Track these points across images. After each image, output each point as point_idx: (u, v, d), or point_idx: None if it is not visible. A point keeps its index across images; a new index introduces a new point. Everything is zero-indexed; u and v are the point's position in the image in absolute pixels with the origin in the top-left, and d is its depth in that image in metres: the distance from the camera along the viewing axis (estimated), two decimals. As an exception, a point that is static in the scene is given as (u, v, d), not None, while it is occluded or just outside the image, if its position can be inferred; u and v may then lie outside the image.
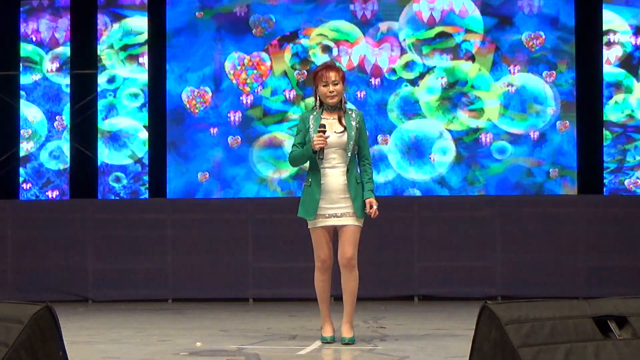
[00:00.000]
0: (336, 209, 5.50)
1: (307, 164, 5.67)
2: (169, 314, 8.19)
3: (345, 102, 5.66)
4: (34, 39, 10.34)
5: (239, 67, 10.08)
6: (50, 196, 10.21)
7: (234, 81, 10.09)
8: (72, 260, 9.57)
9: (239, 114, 10.06)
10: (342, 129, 5.53)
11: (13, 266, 9.61)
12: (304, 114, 5.68)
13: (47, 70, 10.35)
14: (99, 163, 10.17)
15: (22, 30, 10.36)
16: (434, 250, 9.40)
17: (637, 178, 9.74)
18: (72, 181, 10.26)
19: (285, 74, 10.05)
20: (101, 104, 10.24)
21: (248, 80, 10.06)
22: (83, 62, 10.34)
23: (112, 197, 10.09)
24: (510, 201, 9.54)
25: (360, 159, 5.63)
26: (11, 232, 9.67)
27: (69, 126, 10.24)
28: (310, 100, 9.22)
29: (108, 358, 5.04)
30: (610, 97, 9.84)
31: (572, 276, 9.30)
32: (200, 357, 5.00)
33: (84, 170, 10.27)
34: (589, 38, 9.92)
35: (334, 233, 5.60)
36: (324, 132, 5.43)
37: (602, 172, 9.82)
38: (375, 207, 5.52)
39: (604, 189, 9.79)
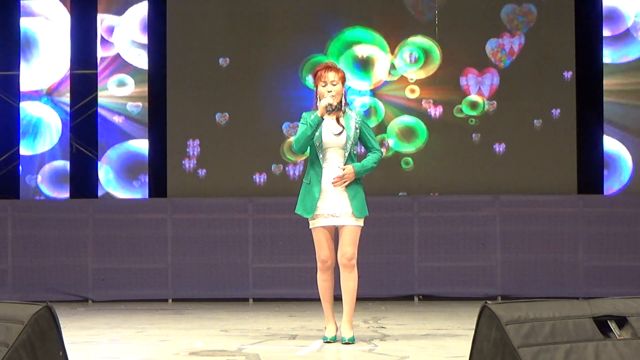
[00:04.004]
0: (335, 208, 5.50)
1: (309, 166, 5.65)
2: (169, 314, 8.19)
3: (347, 104, 5.64)
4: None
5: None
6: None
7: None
8: (72, 260, 9.56)
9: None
10: (341, 129, 5.53)
11: (13, 266, 9.60)
12: (305, 114, 5.67)
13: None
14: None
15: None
16: (434, 250, 9.40)
17: None
18: (72, 181, 10.27)
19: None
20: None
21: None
22: (83, 62, 10.35)
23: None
24: (510, 201, 9.54)
25: (369, 150, 5.65)
26: (11, 232, 9.66)
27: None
28: None
29: (108, 358, 5.04)
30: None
31: (572, 276, 9.30)
32: (200, 357, 5.00)
33: (84, 170, 10.27)
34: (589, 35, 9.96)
35: (335, 233, 5.60)
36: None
37: (602, 172, 9.83)
38: (344, 175, 5.47)
39: (604, 189, 9.81)
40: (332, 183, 5.49)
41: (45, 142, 10.32)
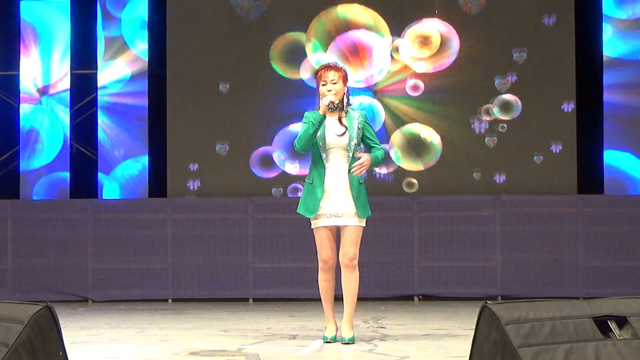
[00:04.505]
0: (338, 208, 5.49)
1: (311, 166, 5.64)
2: (169, 314, 8.19)
3: (348, 104, 5.63)
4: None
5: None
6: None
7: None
8: (72, 260, 9.56)
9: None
10: (344, 129, 5.52)
11: (13, 266, 9.60)
12: (307, 113, 5.66)
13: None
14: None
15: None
16: (434, 250, 9.40)
17: None
18: (72, 181, 10.27)
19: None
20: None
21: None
22: (83, 62, 10.36)
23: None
24: (510, 201, 9.54)
25: (371, 149, 5.64)
26: (11, 232, 9.66)
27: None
28: None
29: (108, 358, 5.04)
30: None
31: (572, 276, 9.30)
32: (200, 357, 5.00)
33: (84, 170, 10.28)
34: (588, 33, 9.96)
35: (337, 233, 5.59)
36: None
37: (602, 172, 9.83)
38: (363, 161, 5.48)
39: (604, 189, 9.81)
40: (352, 172, 5.47)
41: (45, 153, 10.32)
